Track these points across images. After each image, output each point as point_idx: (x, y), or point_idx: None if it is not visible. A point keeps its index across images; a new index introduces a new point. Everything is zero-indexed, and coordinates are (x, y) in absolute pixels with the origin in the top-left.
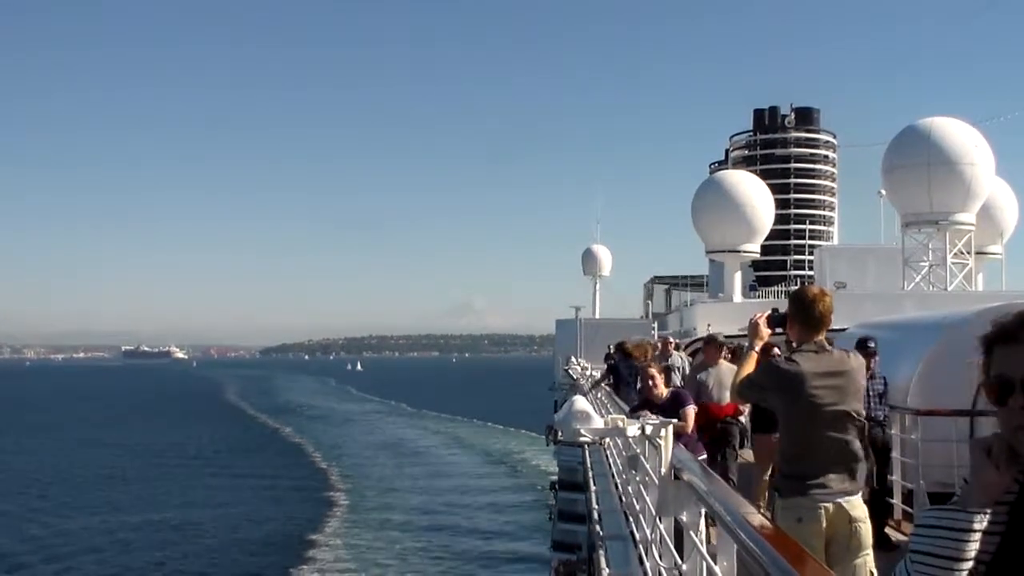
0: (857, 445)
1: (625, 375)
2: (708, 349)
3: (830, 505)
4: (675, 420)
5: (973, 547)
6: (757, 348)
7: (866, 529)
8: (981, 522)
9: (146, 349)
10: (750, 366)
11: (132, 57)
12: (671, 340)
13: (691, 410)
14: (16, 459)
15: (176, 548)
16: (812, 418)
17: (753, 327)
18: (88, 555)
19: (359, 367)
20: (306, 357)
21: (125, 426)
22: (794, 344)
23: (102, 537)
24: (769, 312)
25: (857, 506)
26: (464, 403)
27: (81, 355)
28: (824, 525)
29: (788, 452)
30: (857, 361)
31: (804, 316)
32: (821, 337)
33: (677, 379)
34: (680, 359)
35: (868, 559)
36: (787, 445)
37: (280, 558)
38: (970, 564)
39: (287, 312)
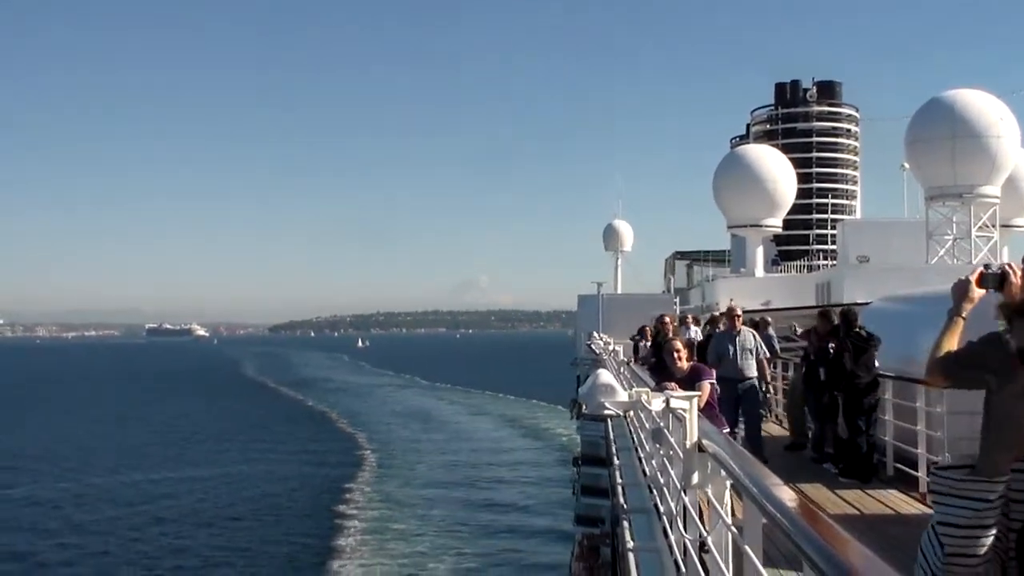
0: None
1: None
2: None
3: None
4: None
5: (995, 514)
6: (965, 314)
7: None
8: (1000, 490)
9: (168, 327)
10: (954, 338)
11: (163, 39)
12: (738, 313)
13: (707, 384)
14: (75, 432)
15: (225, 500)
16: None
17: (962, 287)
18: (148, 511)
19: (360, 343)
20: (312, 334)
21: (166, 400)
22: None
23: (166, 494)
24: (981, 269)
25: None
26: (478, 376)
27: (92, 333)
28: None
29: (985, 442)
30: None
31: None
32: None
33: (751, 362)
34: (752, 339)
35: None
36: (985, 434)
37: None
38: (994, 531)
39: (295, 290)
